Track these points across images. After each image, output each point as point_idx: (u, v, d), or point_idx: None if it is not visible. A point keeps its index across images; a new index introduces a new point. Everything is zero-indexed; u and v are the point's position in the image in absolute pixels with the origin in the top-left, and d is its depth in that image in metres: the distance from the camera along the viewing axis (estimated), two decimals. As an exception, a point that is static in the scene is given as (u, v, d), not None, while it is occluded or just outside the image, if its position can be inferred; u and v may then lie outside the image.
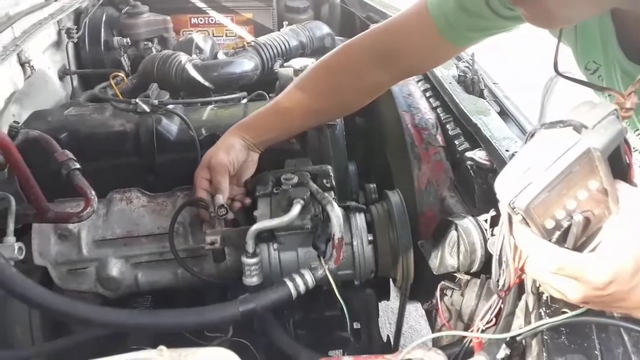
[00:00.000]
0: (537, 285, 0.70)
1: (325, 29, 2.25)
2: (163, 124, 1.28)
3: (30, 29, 1.55)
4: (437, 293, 0.98)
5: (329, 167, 1.14)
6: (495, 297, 0.73)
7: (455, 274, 0.97)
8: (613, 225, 0.59)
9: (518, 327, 0.70)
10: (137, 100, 1.28)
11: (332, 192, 1.05)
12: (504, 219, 0.62)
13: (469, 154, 1.16)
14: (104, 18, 2.08)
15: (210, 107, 1.46)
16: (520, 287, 0.73)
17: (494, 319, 0.74)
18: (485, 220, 0.93)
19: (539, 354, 0.64)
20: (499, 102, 1.41)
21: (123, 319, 0.83)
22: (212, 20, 2.50)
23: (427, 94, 1.51)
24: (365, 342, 1.14)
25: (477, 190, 1.12)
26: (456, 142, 1.27)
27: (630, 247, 0.56)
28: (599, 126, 0.57)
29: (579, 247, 0.60)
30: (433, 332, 1.10)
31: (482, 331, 0.73)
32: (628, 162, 0.61)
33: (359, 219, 1.05)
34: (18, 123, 1.13)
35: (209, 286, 1.13)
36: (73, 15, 2.01)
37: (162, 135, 1.26)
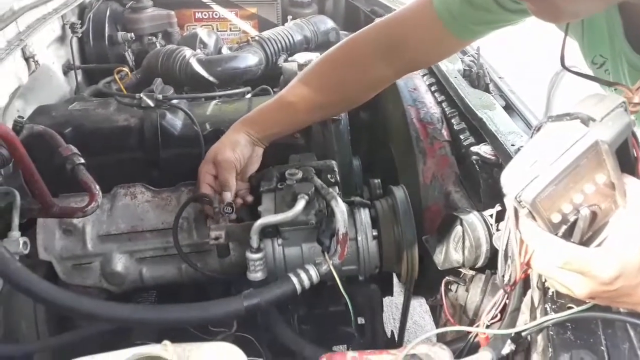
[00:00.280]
0: (543, 281, 0.69)
1: (329, 23, 2.24)
2: (167, 118, 1.28)
3: (35, 23, 1.55)
4: (442, 288, 0.97)
5: (334, 162, 1.13)
6: (500, 292, 0.72)
7: (460, 269, 0.96)
8: (620, 219, 0.58)
9: (523, 322, 0.70)
10: (142, 95, 1.27)
11: (337, 187, 1.04)
12: (510, 212, 0.61)
13: (474, 148, 1.16)
14: (108, 13, 2.09)
15: (214, 102, 1.46)
16: (526, 283, 0.73)
17: (499, 315, 0.74)
18: (491, 215, 0.93)
19: (544, 349, 0.63)
20: (504, 97, 1.40)
21: (127, 313, 0.83)
22: (216, 14, 2.50)
23: (432, 88, 1.50)
24: (370, 337, 1.14)
25: (482, 185, 1.11)
26: (461, 136, 1.27)
27: (637, 241, 0.56)
28: (606, 119, 0.56)
29: (585, 242, 0.59)
30: (437, 327, 1.10)
31: (487, 326, 0.72)
32: (636, 155, 0.60)
33: (364, 214, 1.05)
34: (22, 118, 1.13)
35: (213, 281, 1.13)
36: (77, 10, 2.02)
37: (166, 130, 1.26)
